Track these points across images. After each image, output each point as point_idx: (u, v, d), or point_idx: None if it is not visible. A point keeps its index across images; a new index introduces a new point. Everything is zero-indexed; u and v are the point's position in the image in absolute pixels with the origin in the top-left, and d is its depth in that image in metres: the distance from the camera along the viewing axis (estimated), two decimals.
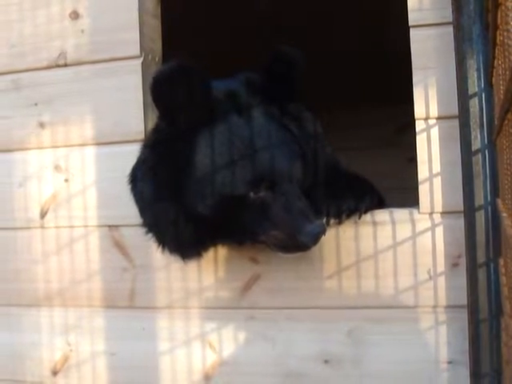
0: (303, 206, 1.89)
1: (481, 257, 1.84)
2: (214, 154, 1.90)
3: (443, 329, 1.96)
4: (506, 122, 1.39)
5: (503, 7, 1.28)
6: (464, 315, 1.90)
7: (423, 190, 1.97)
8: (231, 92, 1.99)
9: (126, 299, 2.24)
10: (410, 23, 1.97)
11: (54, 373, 2.32)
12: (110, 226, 2.24)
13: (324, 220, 1.96)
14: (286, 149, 1.94)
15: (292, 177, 1.92)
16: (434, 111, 1.95)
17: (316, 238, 1.85)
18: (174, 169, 1.93)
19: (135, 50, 2.21)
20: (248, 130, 1.92)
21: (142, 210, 2.06)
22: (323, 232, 1.86)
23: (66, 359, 2.31)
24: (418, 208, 1.98)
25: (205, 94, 1.90)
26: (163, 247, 2.05)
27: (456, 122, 1.90)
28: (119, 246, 2.23)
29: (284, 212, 1.87)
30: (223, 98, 1.97)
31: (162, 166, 1.96)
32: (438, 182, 1.95)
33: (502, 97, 1.47)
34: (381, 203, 2.08)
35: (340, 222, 2.00)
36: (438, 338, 1.97)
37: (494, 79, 1.72)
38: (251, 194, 1.88)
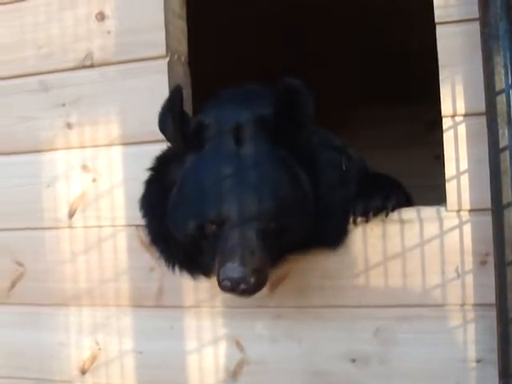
0: (239, 246, 1.82)
1: (509, 255, 1.82)
2: (183, 186, 1.96)
3: (471, 327, 1.95)
4: None
5: None
6: (492, 313, 1.88)
7: (450, 188, 1.95)
8: (236, 124, 1.97)
9: (154, 298, 2.25)
10: (436, 20, 1.95)
11: (83, 372, 2.34)
12: (137, 226, 2.24)
13: (251, 272, 1.80)
14: (259, 188, 1.88)
15: (247, 216, 1.85)
16: (460, 108, 1.94)
17: (233, 282, 1.78)
18: (161, 191, 2.01)
19: (161, 50, 2.22)
20: (224, 165, 1.91)
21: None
22: (241, 280, 1.77)
23: (94, 358, 2.32)
24: (446, 206, 1.97)
25: (174, 122, 1.96)
26: (173, 267, 2.11)
27: (483, 119, 1.88)
28: (146, 246, 2.23)
29: (221, 249, 1.84)
30: (225, 130, 1.97)
31: (153, 186, 2.07)
32: (465, 179, 1.94)
33: None
34: (408, 201, 2.08)
35: (367, 221, 2.00)
36: (466, 337, 1.95)
37: None
38: (207, 228, 1.88)
